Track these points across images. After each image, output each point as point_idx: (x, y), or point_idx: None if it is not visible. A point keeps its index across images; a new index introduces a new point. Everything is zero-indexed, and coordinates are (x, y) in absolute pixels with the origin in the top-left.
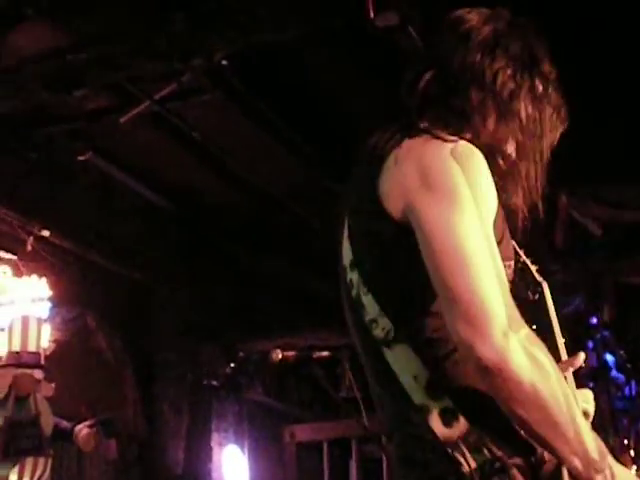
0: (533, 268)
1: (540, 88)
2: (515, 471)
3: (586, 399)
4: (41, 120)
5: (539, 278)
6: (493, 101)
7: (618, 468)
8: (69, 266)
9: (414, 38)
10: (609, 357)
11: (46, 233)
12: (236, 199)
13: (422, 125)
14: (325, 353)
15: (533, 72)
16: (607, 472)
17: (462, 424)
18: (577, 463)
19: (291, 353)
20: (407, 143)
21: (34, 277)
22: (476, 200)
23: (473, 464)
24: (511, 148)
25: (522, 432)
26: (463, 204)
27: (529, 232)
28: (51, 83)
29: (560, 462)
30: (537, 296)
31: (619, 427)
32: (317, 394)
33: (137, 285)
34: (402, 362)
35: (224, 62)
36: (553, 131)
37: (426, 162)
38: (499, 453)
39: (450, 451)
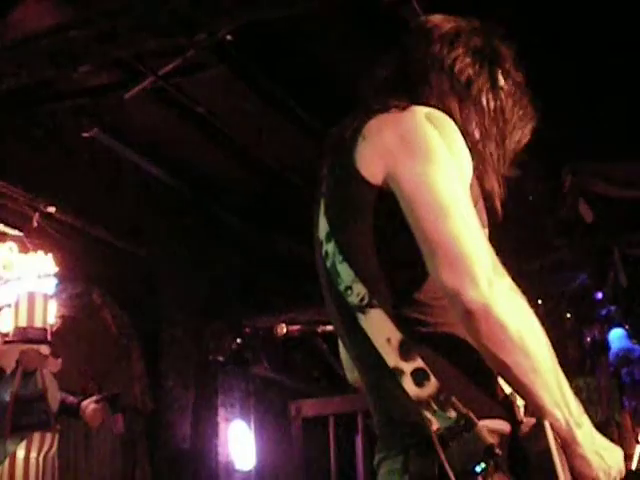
0: None
1: (501, 81)
2: (480, 427)
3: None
4: (46, 97)
5: None
6: (452, 86)
7: (593, 428)
8: (75, 242)
9: (419, 12)
10: (618, 331)
11: (52, 209)
12: (241, 175)
13: (393, 102)
14: (330, 327)
15: (493, 65)
16: (587, 429)
17: (433, 384)
18: (559, 415)
19: (296, 327)
20: (380, 117)
21: (40, 253)
22: (453, 159)
23: (442, 422)
24: (477, 133)
25: (496, 390)
26: (441, 162)
27: (533, 210)
28: (56, 59)
29: (541, 414)
30: None
31: (625, 403)
32: (323, 369)
33: (143, 261)
34: (376, 326)
35: (229, 37)
36: (521, 126)
37: (404, 127)
38: (464, 410)
39: (421, 410)
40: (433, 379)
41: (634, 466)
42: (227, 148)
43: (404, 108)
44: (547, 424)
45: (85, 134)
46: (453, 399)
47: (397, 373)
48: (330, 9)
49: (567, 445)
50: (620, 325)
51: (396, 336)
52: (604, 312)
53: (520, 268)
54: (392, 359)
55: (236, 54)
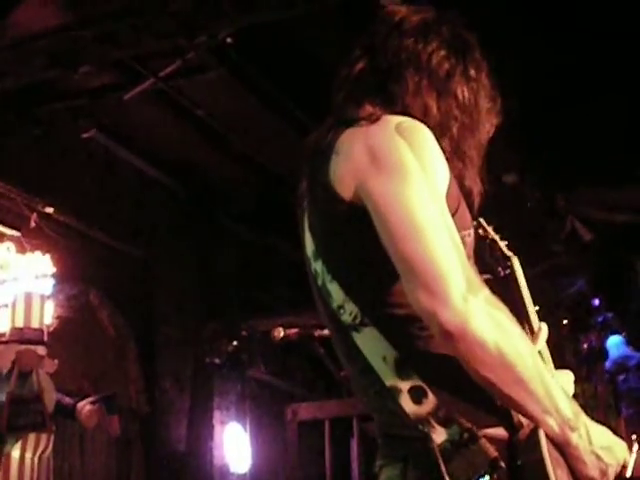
0: (502, 244)
1: (473, 72)
2: (484, 441)
3: (567, 381)
4: (45, 97)
5: (508, 253)
6: (430, 81)
7: (594, 426)
8: (72, 243)
9: None
10: (616, 338)
11: (50, 210)
12: (240, 176)
13: (361, 114)
14: (327, 332)
15: (466, 56)
16: (582, 430)
17: (431, 400)
18: (551, 422)
19: (293, 331)
20: (351, 130)
21: (37, 254)
22: (425, 172)
23: (443, 437)
24: (455, 128)
25: (493, 397)
26: (412, 177)
27: (531, 215)
28: (56, 60)
29: (534, 423)
30: (507, 271)
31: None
32: (319, 373)
33: (140, 262)
34: (370, 345)
35: (229, 40)
36: (489, 119)
37: (373, 141)
38: (467, 424)
39: (421, 427)
40: (431, 396)
41: (629, 473)
42: (226, 150)
43: (374, 121)
44: (541, 432)
45: (84, 135)
46: (455, 414)
47: (395, 391)
48: (329, 12)
49: (564, 448)
50: (617, 332)
51: (391, 354)
52: (600, 319)
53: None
54: (389, 378)
55: (236, 57)
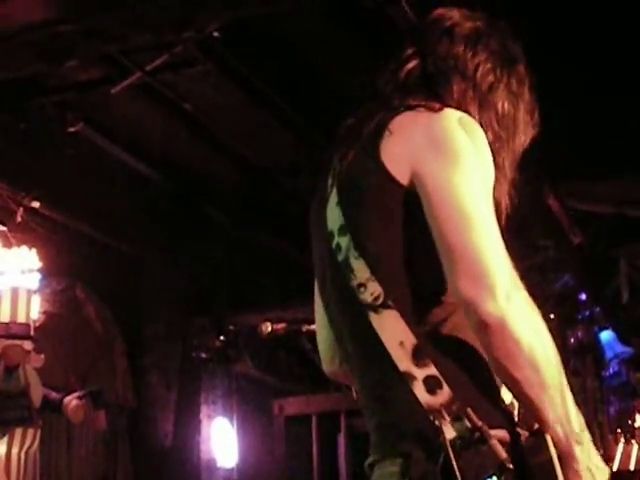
0: None
1: (515, 86)
2: (495, 442)
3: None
4: (32, 91)
5: None
6: (473, 91)
7: (591, 445)
8: (59, 238)
9: (407, 12)
10: (607, 333)
11: (36, 204)
12: (227, 171)
13: (423, 101)
14: (314, 326)
15: (510, 70)
16: (585, 446)
17: (445, 392)
18: (560, 431)
19: (280, 326)
20: (409, 114)
21: (24, 248)
22: (481, 168)
23: (454, 433)
24: (493, 139)
25: (499, 399)
26: (469, 168)
27: (519, 210)
28: (42, 54)
29: (543, 427)
30: None
31: (610, 404)
32: (306, 368)
33: (127, 257)
34: (389, 328)
35: (216, 34)
36: (526, 131)
37: (436, 128)
38: (479, 423)
39: (432, 419)
40: (446, 388)
41: (615, 467)
42: (213, 145)
43: (437, 110)
44: (548, 436)
45: (70, 129)
46: (468, 410)
47: (408, 378)
48: (317, 7)
49: (564, 459)
50: (605, 327)
51: (410, 340)
52: (587, 313)
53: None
54: (404, 363)
55: (223, 51)
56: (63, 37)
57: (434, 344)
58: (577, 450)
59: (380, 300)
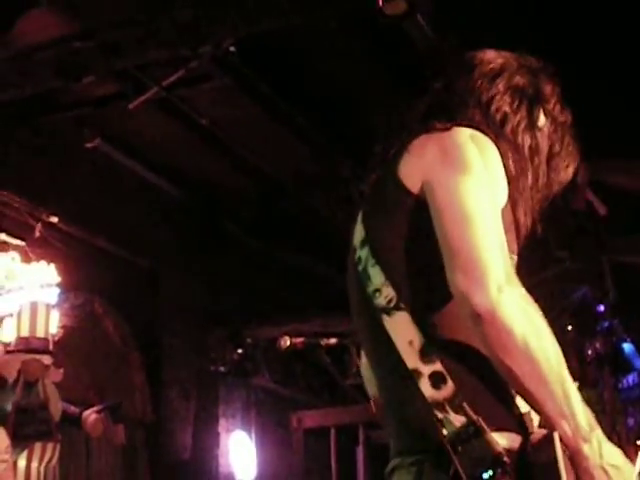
0: None
1: (541, 121)
2: (489, 435)
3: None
4: (49, 107)
5: None
6: (487, 122)
7: (607, 444)
8: (77, 252)
9: (422, 26)
10: (628, 346)
11: (54, 219)
12: (244, 185)
13: (438, 124)
14: (333, 340)
15: (535, 104)
16: (595, 443)
17: (449, 387)
18: (565, 427)
19: (299, 340)
20: (425, 135)
21: (42, 263)
22: (488, 177)
23: (454, 426)
24: (512, 167)
25: (511, 401)
26: (475, 175)
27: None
28: (60, 70)
29: (549, 424)
30: None
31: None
32: (324, 380)
33: (145, 271)
34: (399, 328)
35: (232, 49)
36: (556, 167)
37: (447, 142)
38: (475, 417)
39: (435, 411)
40: (450, 383)
41: (634, 478)
42: (230, 159)
43: (449, 128)
44: (556, 435)
45: (88, 144)
46: (464, 404)
47: (415, 375)
48: (333, 22)
49: (574, 457)
50: (624, 339)
51: (418, 339)
52: (606, 324)
53: (523, 281)
54: (412, 361)
55: (239, 65)
56: (80, 53)
57: (442, 344)
58: (585, 448)
59: (393, 303)
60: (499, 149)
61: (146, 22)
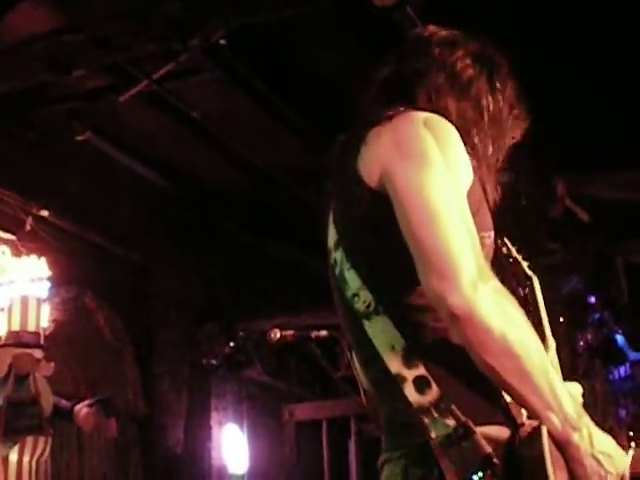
0: (524, 264)
1: (498, 84)
2: (478, 437)
3: (575, 393)
4: (40, 100)
5: (529, 273)
6: (451, 84)
7: (597, 431)
8: (68, 246)
9: (412, 18)
10: (619, 337)
11: (45, 213)
12: (235, 179)
13: (390, 112)
14: (324, 332)
15: (492, 69)
16: (584, 432)
17: (434, 391)
18: (553, 418)
19: (289, 332)
20: (380, 126)
21: (33, 257)
22: (448, 164)
23: (440, 430)
24: (475, 134)
25: (498, 395)
26: (433, 166)
27: (526, 213)
28: (50, 63)
29: (536, 418)
30: (526, 290)
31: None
32: (316, 373)
33: (136, 264)
34: (380, 333)
35: (222, 42)
36: (511, 131)
37: (400, 131)
38: (463, 418)
39: (421, 416)
40: (435, 387)
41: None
42: (221, 152)
43: (401, 114)
44: (544, 429)
45: (79, 138)
46: (452, 407)
47: (399, 380)
48: (323, 12)
49: (564, 448)
50: (616, 331)
51: (400, 343)
52: (597, 316)
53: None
54: (395, 366)
55: (230, 58)
56: (70, 47)
57: (424, 347)
58: (575, 437)
59: (371, 307)
60: (463, 113)
61: (136, 15)
